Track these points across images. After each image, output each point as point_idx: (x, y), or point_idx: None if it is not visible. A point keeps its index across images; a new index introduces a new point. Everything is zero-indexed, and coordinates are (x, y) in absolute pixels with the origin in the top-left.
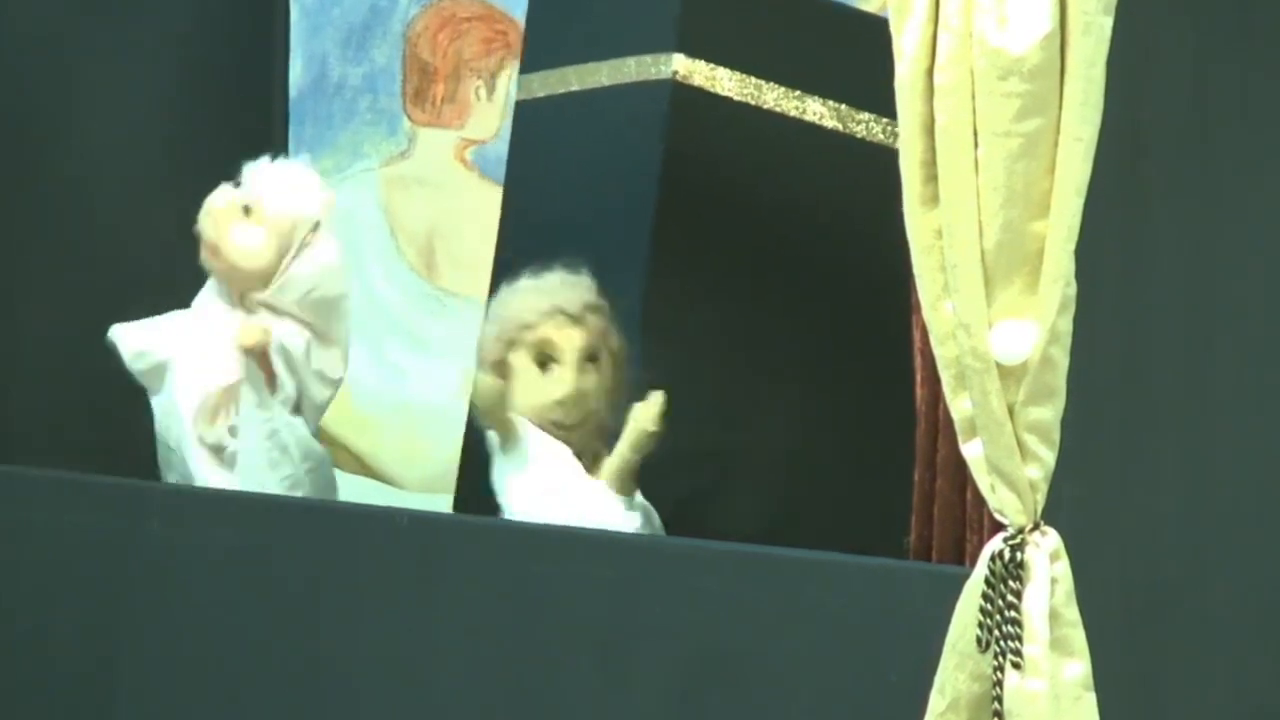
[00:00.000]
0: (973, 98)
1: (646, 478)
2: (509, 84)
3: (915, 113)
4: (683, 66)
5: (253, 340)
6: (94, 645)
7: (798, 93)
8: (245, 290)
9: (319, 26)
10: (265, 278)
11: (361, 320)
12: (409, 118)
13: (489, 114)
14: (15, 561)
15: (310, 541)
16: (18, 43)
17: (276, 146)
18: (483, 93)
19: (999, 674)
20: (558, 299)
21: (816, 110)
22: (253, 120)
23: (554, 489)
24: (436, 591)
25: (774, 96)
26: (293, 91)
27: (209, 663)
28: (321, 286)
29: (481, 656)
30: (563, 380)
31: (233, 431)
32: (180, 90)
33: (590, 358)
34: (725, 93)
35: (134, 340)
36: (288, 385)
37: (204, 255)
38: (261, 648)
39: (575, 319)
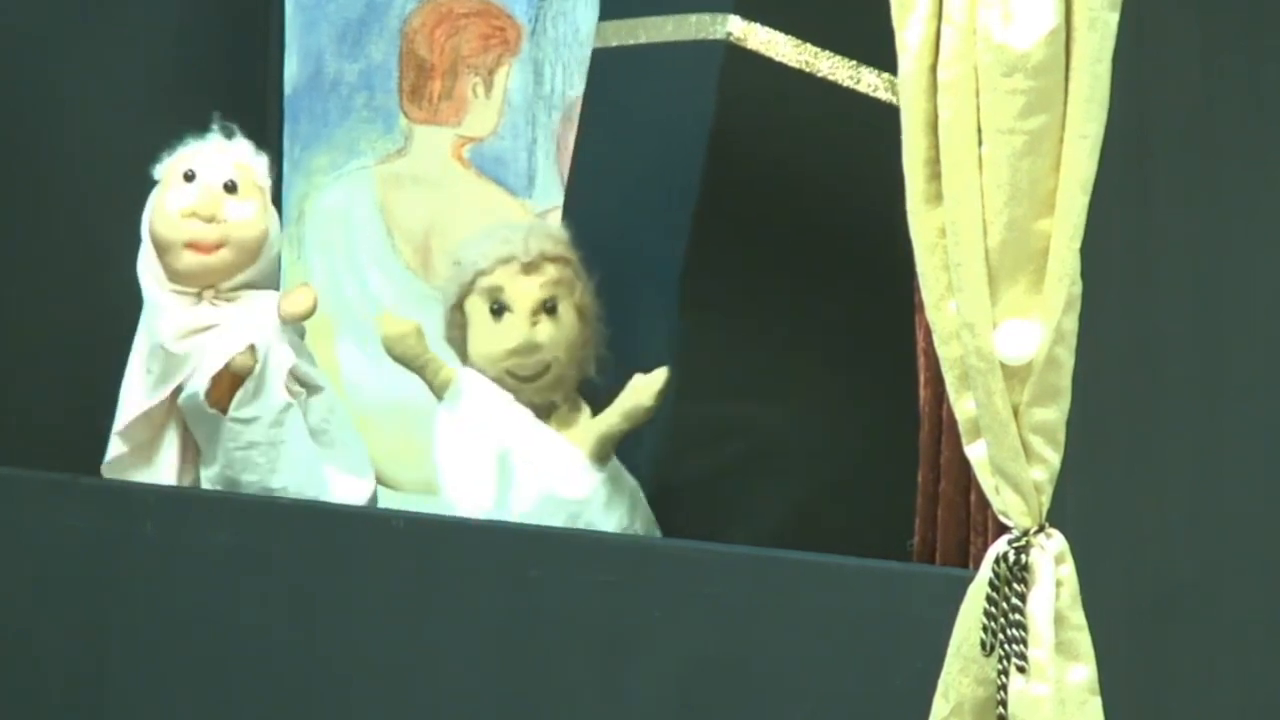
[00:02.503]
0: (976, 94)
1: (662, 454)
2: (506, 81)
3: (918, 109)
4: (738, 28)
5: (307, 305)
6: (87, 648)
7: (853, 63)
8: (231, 277)
9: (314, 22)
10: (261, 248)
11: (358, 320)
12: (405, 115)
13: (486, 111)
14: (7, 563)
15: (305, 543)
16: (3, 37)
17: (271, 143)
18: (480, 90)
19: (1003, 678)
20: (513, 246)
21: (871, 82)
22: (247, 117)
23: (489, 423)
24: (432, 594)
25: (829, 65)
26: (287, 88)
27: (203, 665)
28: (279, 238)
29: (478, 660)
30: (514, 329)
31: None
32: (173, 86)
33: (547, 309)
34: (779, 58)
35: (257, 342)
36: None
37: (188, 260)
38: (256, 650)
39: (530, 267)
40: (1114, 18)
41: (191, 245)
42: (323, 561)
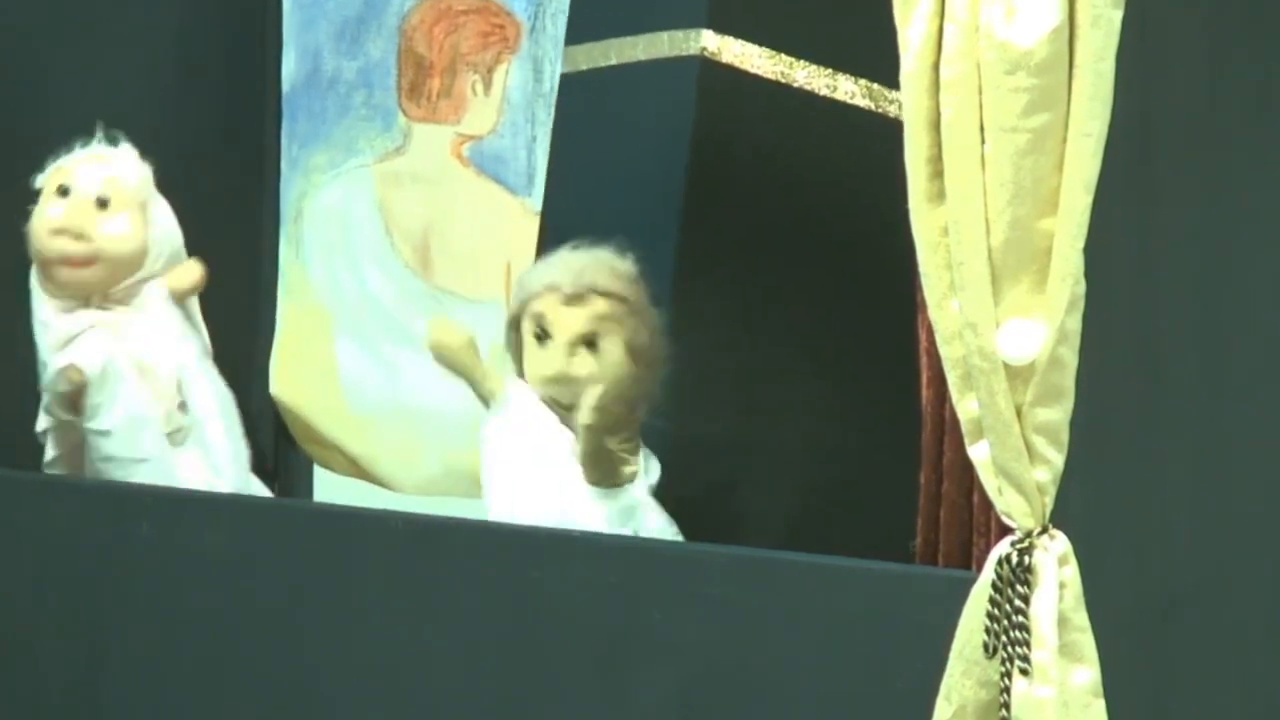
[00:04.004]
0: (979, 92)
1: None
2: (505, 78)
3: (921, 108)
4: (712, 43)
5: (193, 279)
6: (84, 648)
7: (829, 71)
8: (111, 288)
9: (312, 19)
10: (139, 260)
11: (357, 319)
12: (404, 113)
13: (486, 109)
14: (4, 563)
15: (304, 545)
16: (2, 36)
17: (269, 141)
18: (479, 87)
19: (1006, 680)
20: (560, 275)
21: (848, 89)
22: (244, 115)
23: (528, 434)
24: (431, 597)
25: (805, 74)
26: (285, 86)
27: (200, 667)
28: (175, 238)
29: (478, 664)
30: (553, 358)
31: (183, 407)
32: (172, 85)
33: (587, 342)
34: (755, 70)
35: (87, 358)
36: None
37: (65, 275)
38: (254, 651)
39: (573, 299)
40: (1117, 15)
41: (65, 261)
42: (321, 562)
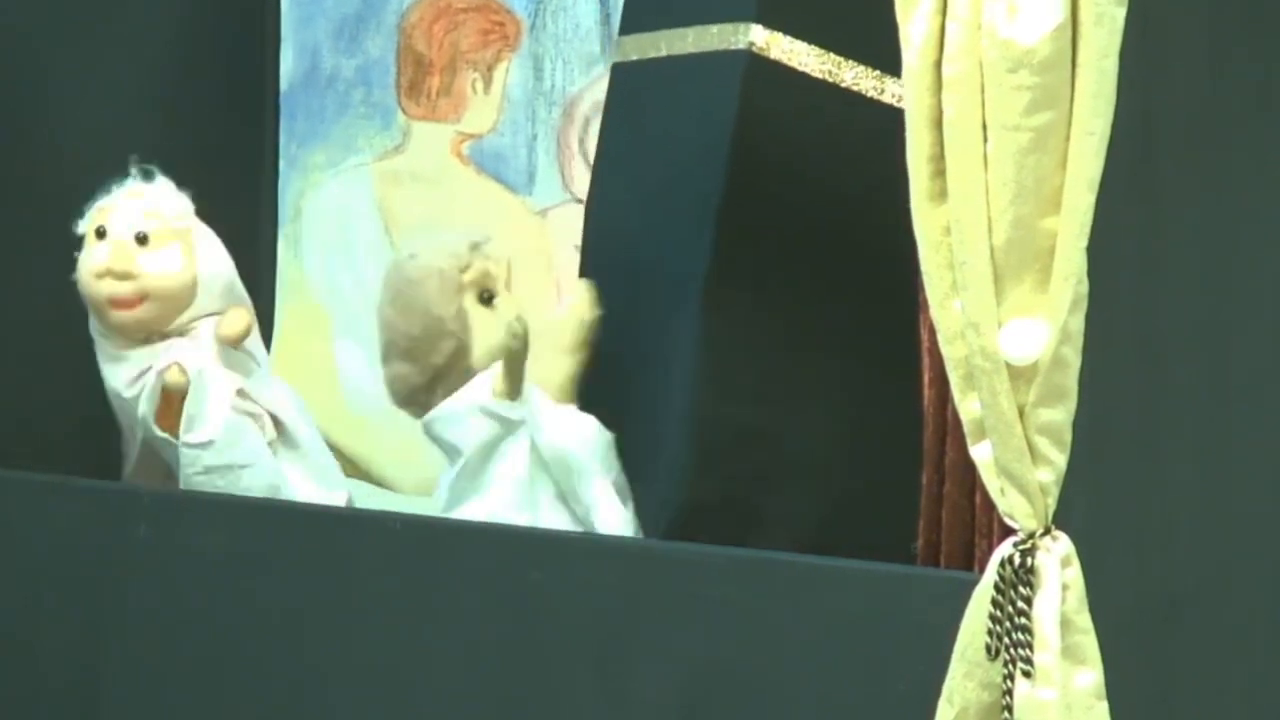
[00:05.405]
0: (981, 90)
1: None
2: (505, 77)
3: (923, 106)
4: (760, 38)
5: (240, 327)
6: (80, 652)
7: (877, 72)
8: (167, 325)
9: (311, 17)
10: (189, 294)
11: (356, 319)
12: (403, 111)
13: (486, 107)
14: (3, 565)
15: (302, 545)
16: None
17: (267, 140)
18: (479, 86)
19: (1009, 682)
20: (465, 238)
21: (895, 91)
22: (243, 114)
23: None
24: (431, 597)
25: (852, 74)
26: (284, 84)
27: (200, 667)
28: (226, 271)
29: (478, 664)
30: (510, 306)
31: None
32: (169, 83)
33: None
34: (802, 68)
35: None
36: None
37: (116, 317)
38: (252, 652)
39: (484, 252)
40: (1120, 13)
41: (113, 304)
42: (319, 563)
